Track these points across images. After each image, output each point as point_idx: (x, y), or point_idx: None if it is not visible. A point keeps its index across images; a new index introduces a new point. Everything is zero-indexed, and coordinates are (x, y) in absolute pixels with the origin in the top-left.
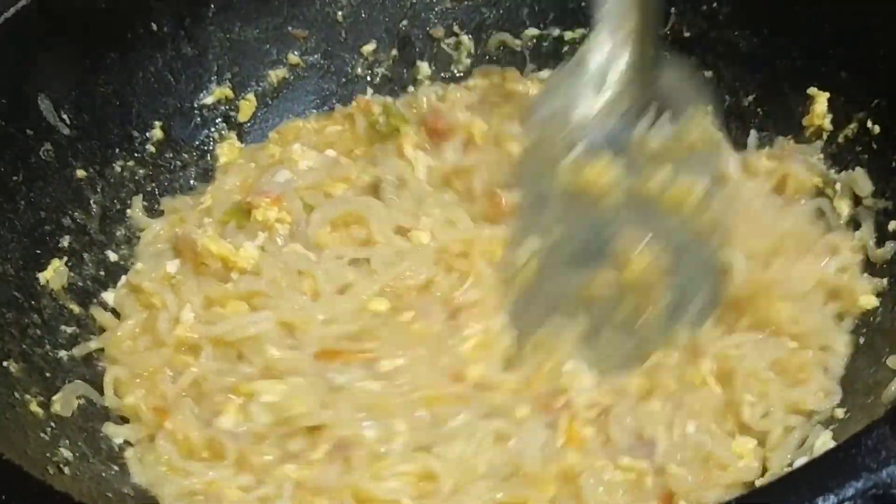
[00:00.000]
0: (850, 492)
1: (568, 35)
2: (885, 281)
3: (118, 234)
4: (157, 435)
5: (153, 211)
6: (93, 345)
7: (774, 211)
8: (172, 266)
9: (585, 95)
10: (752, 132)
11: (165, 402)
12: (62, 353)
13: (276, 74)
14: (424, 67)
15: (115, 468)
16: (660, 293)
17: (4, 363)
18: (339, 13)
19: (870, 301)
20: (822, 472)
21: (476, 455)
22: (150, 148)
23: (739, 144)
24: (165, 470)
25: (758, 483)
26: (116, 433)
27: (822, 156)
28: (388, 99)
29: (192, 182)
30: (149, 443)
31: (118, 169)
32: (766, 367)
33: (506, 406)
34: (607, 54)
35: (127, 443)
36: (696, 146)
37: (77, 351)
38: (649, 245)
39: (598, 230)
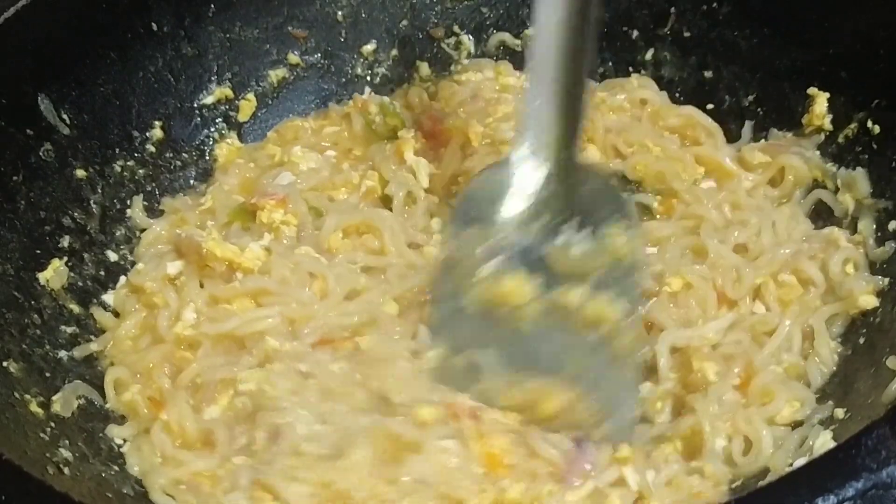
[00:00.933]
0: (850, 492)
1: None
2: (885, 281)
3: (118, 233)
4: (153, 426)
5: (153, 211)
6: (94, 346)
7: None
8: (173, 268)
9: (505, 205)
10: (747, 123)
11: (161, 394)
12: (62, 353)
13: (276, 74)
14: (424, 67)
15: (115, 468)
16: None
17: (4, 363)
18: (339, 13)
19: (869, 301)
20: (823, 472)
21: (381, 469)
22: (150, 148)
23: (735, 138)
24: (159, 460)
25: (759, 484)
26: (119, 433)
27: (817, 151)
28: (385, 99)
29: (192, 182)
30: (145, 435)
31: (118, 169)
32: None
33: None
34: (529, 164)
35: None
36: (618, 259)
37: (77, 352)
38: (563, 379)
39: (514, 344)
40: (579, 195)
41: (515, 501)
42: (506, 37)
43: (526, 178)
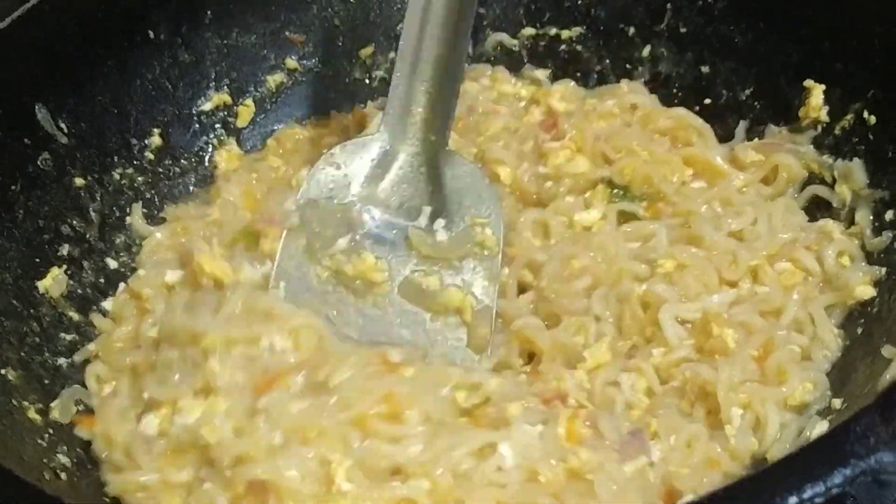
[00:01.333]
0: (838, 478)
1: (564, 34)
2: (882, 270)
3: (117, 241)
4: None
5: (152, 218)
6: (92, 347)
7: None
8: (173, 276)
9: (365, 181)
10: (741, 123)
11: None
12: (61, 361)
13: (274, 80)
14: None
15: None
16: None
17: (3, 371)
18: (336, 18)
19: (866, 291)
20: (812, 459)
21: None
22: (149, 155)
23: (730, 136)
24: (112, 468)
25: None
26: None
27: (812, 146)
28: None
29: (191, 188)
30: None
31: (117, 177)
32: (741, 380)
33: (496, 402)
34: (393, 142)
35: None
36: (480, 249)
37: (77, 357)
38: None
39: (364, 317)
40: (446, 181)
41: (584, 464)
42: (503, 37)
43: (388, 156)
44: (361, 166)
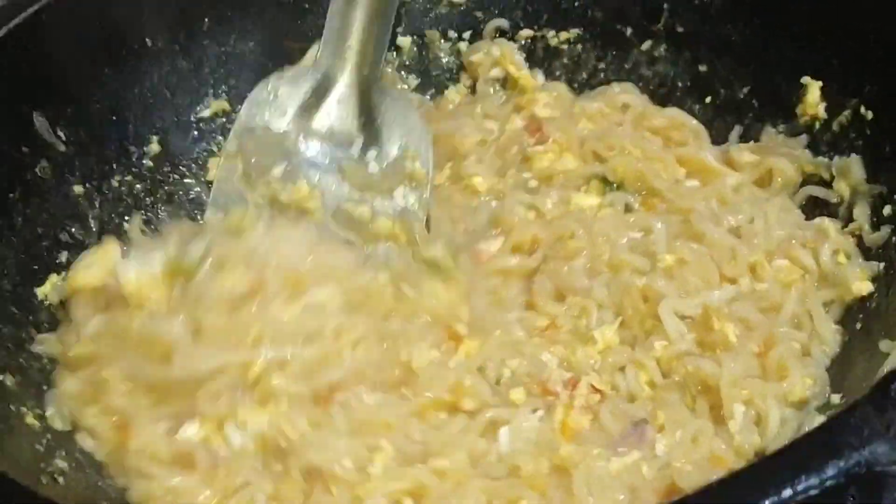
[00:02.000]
0: (832, 470)
1: (563, 36)
2: (880, 265)
3: None
4: (126, 446)
5: (151, 225)
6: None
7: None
8: None
9: (299, 111)
10: (736, 127)
11: (124, 416)
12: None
13: None
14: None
15: (110, 479)
16: None
17: (1, 377)
18: None
19: (864, 287)
20: (806, 451)
21: (468, 459)
22: (148, 162)
23: (723, 137)
24: (134, 473)
25: None
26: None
27: (808, 150)
28: None
29: (190, 195)
30: (119, 450)
31: (115, 184)
32: (743, 375)
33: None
34: (328, 72)
35: None
36: (410, 179)
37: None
38: None
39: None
40: (379, 112)
41: (565, 459)
42: (501, 22)
43: (323, 86)
44: (297, 95)
